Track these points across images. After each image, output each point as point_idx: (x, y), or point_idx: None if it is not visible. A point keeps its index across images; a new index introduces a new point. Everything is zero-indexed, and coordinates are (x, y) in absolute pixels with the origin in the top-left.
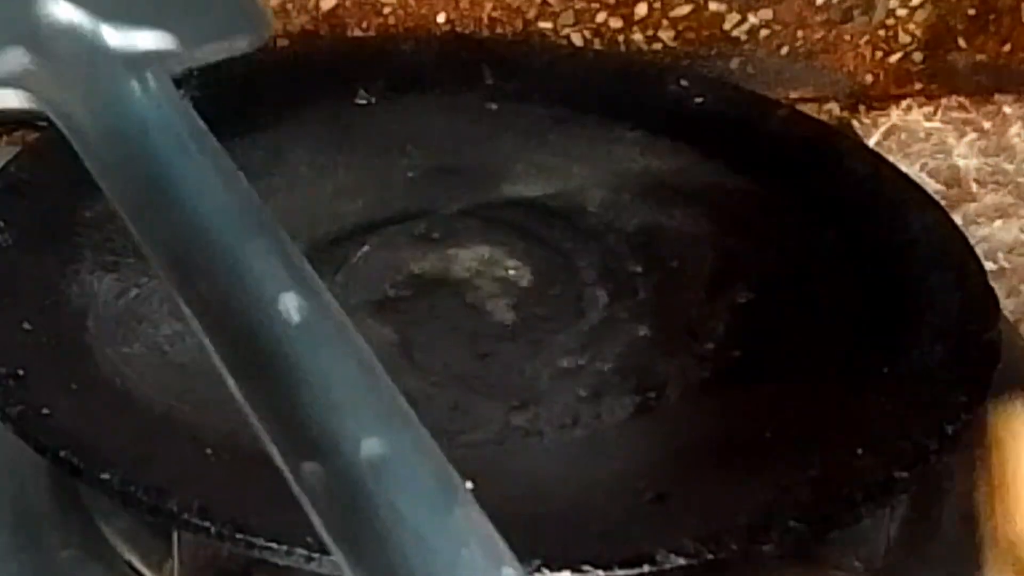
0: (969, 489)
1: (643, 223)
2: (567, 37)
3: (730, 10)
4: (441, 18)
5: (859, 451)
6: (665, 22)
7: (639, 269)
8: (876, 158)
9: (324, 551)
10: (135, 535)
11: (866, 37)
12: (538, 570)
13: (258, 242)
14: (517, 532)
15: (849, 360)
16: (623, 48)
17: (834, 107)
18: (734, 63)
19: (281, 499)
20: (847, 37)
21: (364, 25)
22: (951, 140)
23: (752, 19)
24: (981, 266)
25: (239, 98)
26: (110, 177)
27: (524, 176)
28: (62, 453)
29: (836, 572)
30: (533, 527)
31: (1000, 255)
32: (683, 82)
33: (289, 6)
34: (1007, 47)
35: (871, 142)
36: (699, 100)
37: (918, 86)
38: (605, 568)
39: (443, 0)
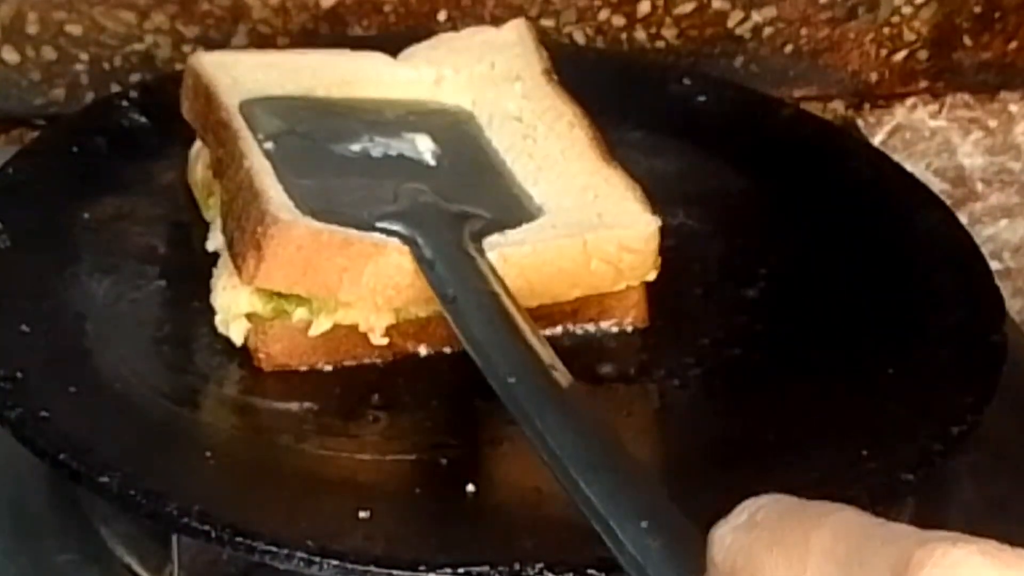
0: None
1: None
2: (569, 35)
3: (734, 8)
4: (442, 16)
5: (864, 453)
6: (668, 20)
7: None
8: (881, 157)
9: (324, 555)
10: (134, 539)
11: (871, 35)
12: (541, 573)
13: None
14: (520, 535)
15: (854, 361)
16: (626, 46)
17: (838, 106)
18: (738, 61)
19: (280, 503)
20: (851, 35)
21: (365, 23)
22: (956, 139)
23: (756, 17)
24: (987, 266)
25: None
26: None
27: None
28: (61, 456)
29: None
30: (536, 530)
31: (1006, 254)
32: (686, 81)
33: (289, 4)
34: (1013, 45)
35: (876, 141)
36: (702, 99)
37: (923, 84)
38: (608, 572)
39: None
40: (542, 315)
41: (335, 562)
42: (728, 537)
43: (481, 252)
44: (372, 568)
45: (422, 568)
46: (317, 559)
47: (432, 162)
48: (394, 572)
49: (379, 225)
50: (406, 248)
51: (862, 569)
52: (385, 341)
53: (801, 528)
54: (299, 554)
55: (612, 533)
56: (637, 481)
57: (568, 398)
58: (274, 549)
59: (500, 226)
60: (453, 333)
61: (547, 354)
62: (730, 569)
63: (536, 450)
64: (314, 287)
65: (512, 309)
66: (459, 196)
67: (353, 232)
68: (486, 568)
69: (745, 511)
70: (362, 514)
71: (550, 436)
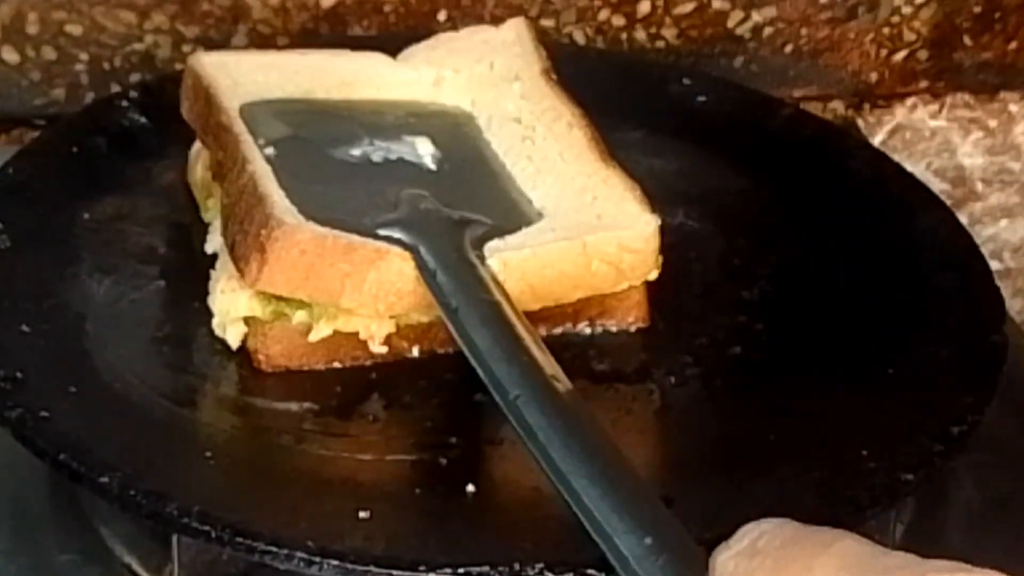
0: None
1: None
2: (569, 35)
3: (734, 8)
4: (442, 16)
5: (864, 453)
6: (668, 20)
7: None
8: (881, 157)
9: (324, 555)
10: (134, 539)
11: (871, 35)
12: (541, 573)
13: None
14: (520, 535)
15: (854, 361)
16: (626, 46)
17: (839, 106)
18: (738, 61)
19: (280, 503)
20: (852, 35)
21: (365, 23)
22: (956, 139)
23: (756, 17)
24: (987, 266)
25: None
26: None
27: None
28: (61, 457)
29: None
30: (536, 530)
31: (1006, 254)
32: (686, 81)
33: (289, 4)
34: (1013, 45)
35: (876, 141)
36: (702, 99)
37: (923, 84)
38: (609, 571)
39: None
40: (543, 316)
41: (335, 562)
42: (730, 563)
43: (482, 259)
44: (372, 568)
45: (422, 568)
46: (317, 559)
47: (432, 166)
48: (394, 572)
49: (381, 232)
50: (408, 254)
51: None
52: (384, 349)
53: (803, 557)
54: (299, 554)
55: (616, 550)
56: (641, 498)
57: (571, 412)
58: (274, 549)
59: (500, 231)
60: (453, 336)
61: (549, 365)
62: None
63: (539, 464)
64: (316, 292)
65: (514, 319)
66: (459, 201)
67: (356, 237)
68: (486, 568)
69: (747, 536)
70: (362, 514)
71: (553, 451)
